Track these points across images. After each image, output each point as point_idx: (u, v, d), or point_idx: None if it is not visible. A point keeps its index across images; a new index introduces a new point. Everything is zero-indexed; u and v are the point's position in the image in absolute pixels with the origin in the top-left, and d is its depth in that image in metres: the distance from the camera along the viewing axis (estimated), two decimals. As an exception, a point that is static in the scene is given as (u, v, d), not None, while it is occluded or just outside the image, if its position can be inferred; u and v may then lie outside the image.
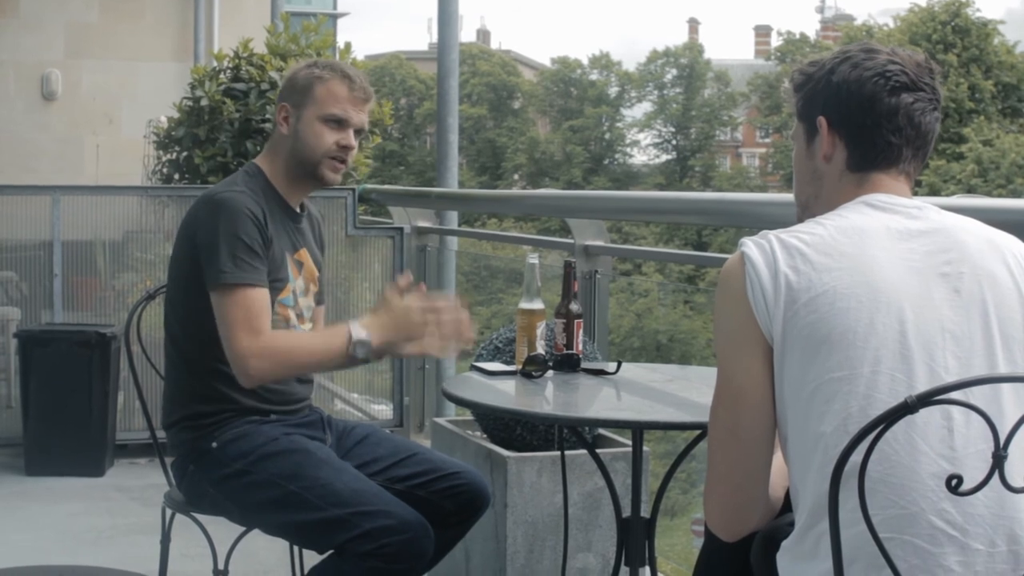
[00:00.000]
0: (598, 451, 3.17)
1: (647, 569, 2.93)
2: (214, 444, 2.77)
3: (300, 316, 2.88)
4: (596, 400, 3.01)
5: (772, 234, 1.91)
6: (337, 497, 2.63)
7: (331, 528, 2.61)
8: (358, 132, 2.89)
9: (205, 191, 2.84)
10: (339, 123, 2.84)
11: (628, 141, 51.92)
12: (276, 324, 2.79)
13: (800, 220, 2.02)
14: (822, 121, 2.00)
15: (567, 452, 3.56)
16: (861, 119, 1.97)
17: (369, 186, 6.86)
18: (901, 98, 1.95)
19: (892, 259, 1.88)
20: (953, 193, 29.73)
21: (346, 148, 2.85)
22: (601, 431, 3.93)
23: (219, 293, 2.66)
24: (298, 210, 2.93)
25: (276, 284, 2.79)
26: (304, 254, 2.91)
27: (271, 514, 2.73)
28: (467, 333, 2.66)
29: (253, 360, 2.60)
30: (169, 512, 2.94)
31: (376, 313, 2.65)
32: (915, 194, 2.05)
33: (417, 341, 2.62)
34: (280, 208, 2.85)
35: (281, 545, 3.06)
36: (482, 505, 2.88)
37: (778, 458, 1.99)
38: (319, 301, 3.00)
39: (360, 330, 2.61)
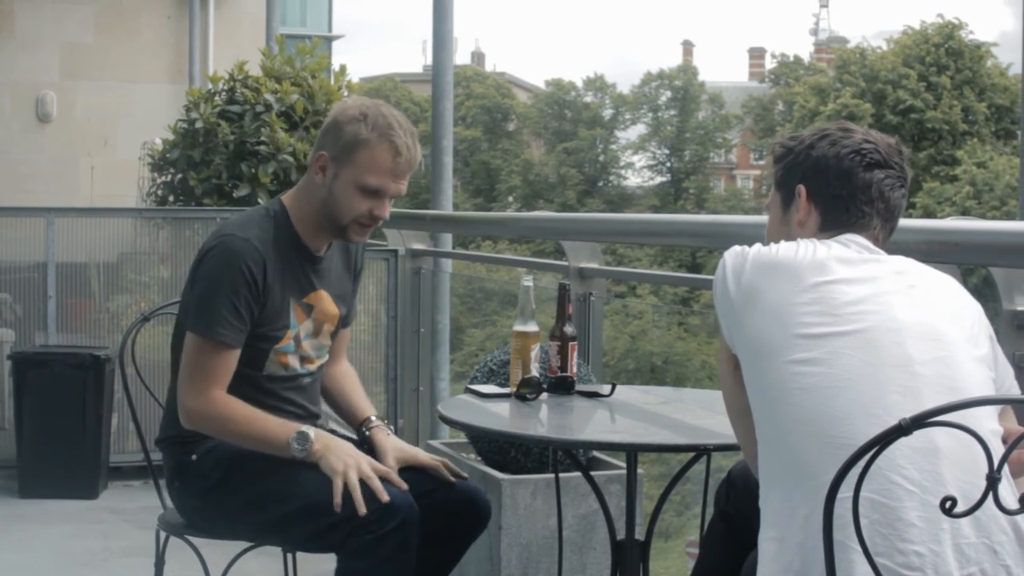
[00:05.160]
0: (592, 473, 3.18)
1: (641, 592, 2.93)
2: (193, 456, 2.79)
3: (305, 358, 2.86)
4: (590, 423, 3.02)
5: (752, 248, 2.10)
6: (317, 482, 2.60)
7: (314, 514, 2.60)
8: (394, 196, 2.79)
9: (223, 224, 2.79)
10: (375, 193, 2.73)
11: (622, 163, 51.96)
12: (274, 369, 2.80)
13: None
14: (801, 190, 2.17)
15: (561, 474, 3.56)
16: (838, 190, 2.14)
17: (364, 208, 6.85)
18: (874, 174, 2.13)
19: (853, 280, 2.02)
20: (948, 215, 29.79)
21: (378, 218, 2.76)
22: (595, 453, 3.92)
23: (192, 337, 2.70)
24: (319, 252, 2.84)
25: (275, 333, 2.77)
26: (319, 296, 2.84)
27: (255, 514, 2.72)
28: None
29: (191, 414, 2.71)
30: (163, 535, 2.94)
31: (330, 444, 2.65)
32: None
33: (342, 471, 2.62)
34: (296, 252, 2.79)
35: (276, 566, 3.05)
36: (483, 515, 2.85)
37: None
38: (345, 324, 2.98)
39: (298, 450, 2.62)
